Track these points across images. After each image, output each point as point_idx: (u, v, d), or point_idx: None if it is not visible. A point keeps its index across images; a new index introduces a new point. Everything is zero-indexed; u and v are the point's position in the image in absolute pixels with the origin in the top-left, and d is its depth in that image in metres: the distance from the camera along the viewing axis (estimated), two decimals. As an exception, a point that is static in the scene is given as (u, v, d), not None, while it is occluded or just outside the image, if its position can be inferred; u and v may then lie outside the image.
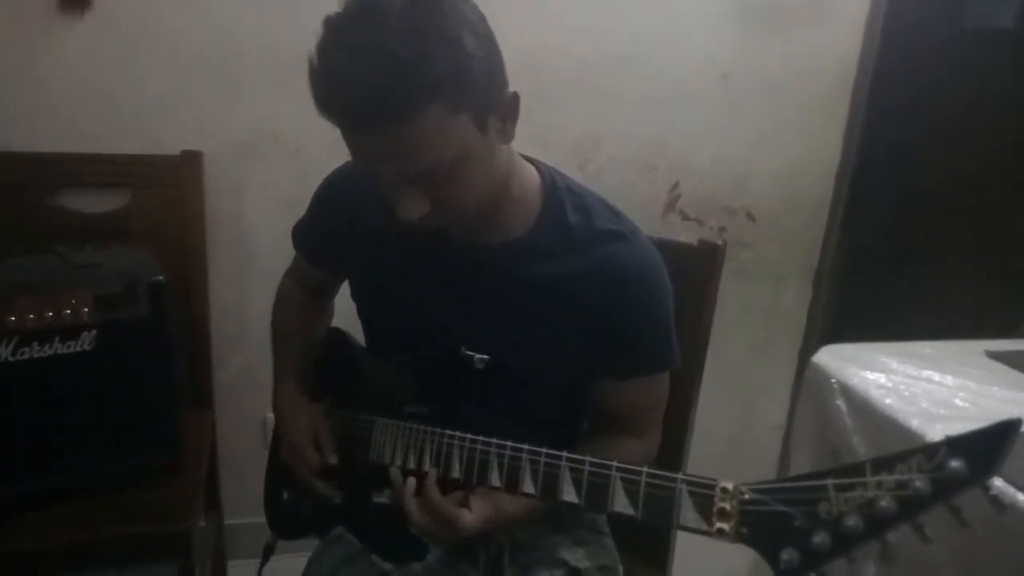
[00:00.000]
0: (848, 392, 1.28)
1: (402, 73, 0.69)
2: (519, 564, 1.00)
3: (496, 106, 0.79)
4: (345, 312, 1.14)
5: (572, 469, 0.75)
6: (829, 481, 0.61)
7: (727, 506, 0.65)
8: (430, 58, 0.70)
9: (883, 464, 0.59)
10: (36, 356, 1.11)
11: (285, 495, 1.09)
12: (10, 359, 1.10)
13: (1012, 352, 1.39)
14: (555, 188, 0.91)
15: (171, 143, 1.49)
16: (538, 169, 0.93)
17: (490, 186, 0.83)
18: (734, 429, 2.06)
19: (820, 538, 0.60)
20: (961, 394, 1.23)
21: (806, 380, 1.41)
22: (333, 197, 1.01)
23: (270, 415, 1.62)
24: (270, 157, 1.58)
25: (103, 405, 1.18)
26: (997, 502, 0.55)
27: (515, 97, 0.81)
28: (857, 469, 0.59)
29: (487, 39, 0.76)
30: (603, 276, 0.88)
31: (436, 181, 0.76)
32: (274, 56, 1.52)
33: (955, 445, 0.56)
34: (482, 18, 0.77)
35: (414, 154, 0.74)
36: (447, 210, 0.80)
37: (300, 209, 1.08)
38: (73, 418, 1.16)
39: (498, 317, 0.91)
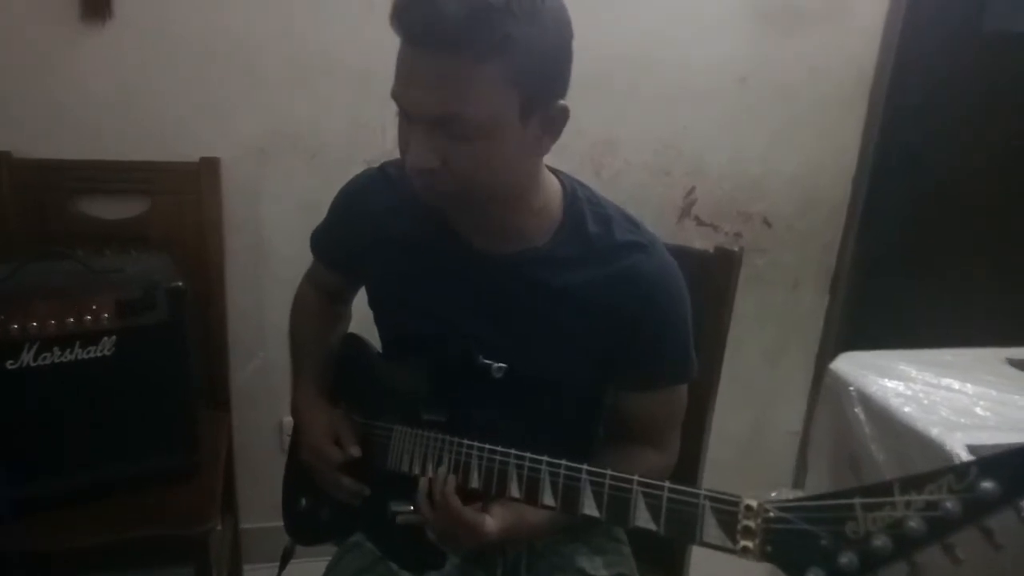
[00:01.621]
0: (866, 400, 1.27)
1: (486, 14, 0.71)
2: (536, 572, 1.00)
3: (545, 105, 0.79)
4: (362, 319, 1.14)
5: (593, 483, 0.75)
6: (856, 500, 0.60)
7: (752, 524, 0.64)
8: (512, 18, 0.72)
9: (912, 484, 0.58)
10: (57, 361, 1.13)
11: (303, 501, 1.09)
12: (32, 364, 1.11)
13: (1034, 360, 1.37)
14: (576, 199, 0.92)
15: (189, 150, 1.51)
16: (560, 180, 0.93)
17: (502, 179, 0.82)
18: (750, 435, 2.05)
19: (847, 558, 0.59)
20: (982, 403, 1.21)
21: (824, 387, 1.40)
22: (352, 204, 1.02)
23: (287, 419, 1.63)
24: (287, 163, 1.59)
25: (122, 409, 1.19)
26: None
27: (564, 110, 0.81)
28: (885, 488, 0.59)
29: (566, 40, 0.79)
30: (622, 287, 0.88)
31: (455, 137, 0.76)
32: (292, 63, 1.53)
33: (986, 465, 0.55)
34: (570, 28, 0.78)
35: (453, 93, 0.73)
36: (452, 178, 0.78)
37: (317, 214, 1.08)
38: (92, 421, 1.18)
39: (516, 326, 0.91)
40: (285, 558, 1.12)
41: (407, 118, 0.79)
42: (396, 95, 0.78)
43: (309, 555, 1.12)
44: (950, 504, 0.55)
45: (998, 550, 0.54)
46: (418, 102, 0.76)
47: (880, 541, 0.58)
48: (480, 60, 0.72)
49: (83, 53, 1.45)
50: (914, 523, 0.57)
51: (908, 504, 0.57)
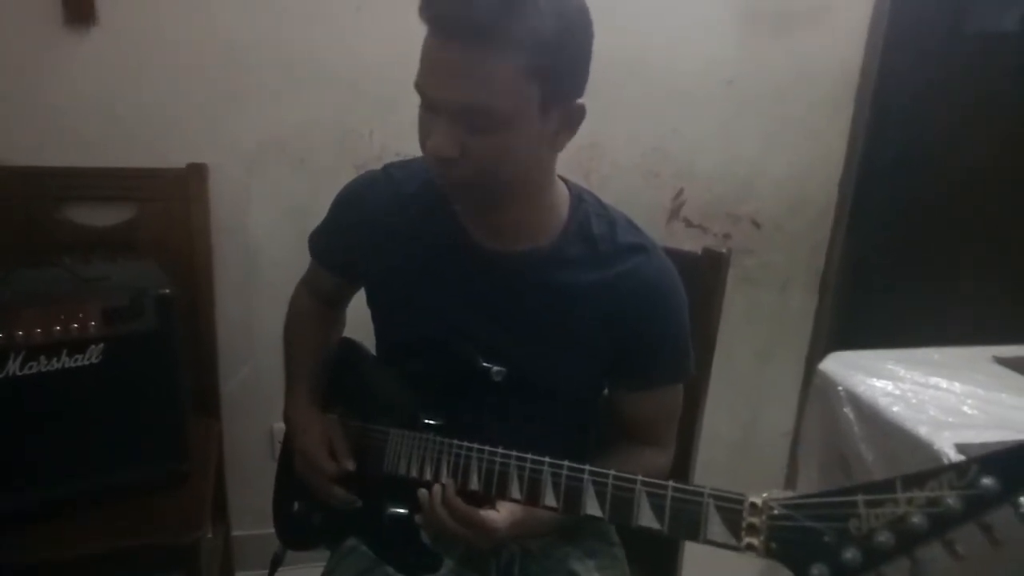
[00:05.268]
0: (856, 400, 1.27)
1: (514, 6, 0.73)
2: (528, 575, 1.00)
3: (565, 101, 0.81)
4: (356, 324, 1.14)
5: (595, 483, 0.75)
6: (859, 497, 0.60)
7: (756, 521, 0.65)
8: (538, 12, 0.74)
9: (914, 480, 0.59)
10: (44, 370, 1.11)
11: (295, 505, 1.09)
12: (18, 373, 1.10)
13: (1020, 358, 1.39)
14: (582, 201, 0.94)
15: (176, 156, 1.50)
16: (568, 185, 0.95)
17: (518, 172, 0.83)
18: (741, 436, 2.05)
19: (851, 554, 0.60)
20: (969, 401, 1.22)
21: (813, 387, 1.40)
22: (355, 204, 1.01)
23: (277, 425, 1.62)
24: (275, 169, 1.58)
25: (110, 417, 1.17)
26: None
27: (582, 108, 0.83)
28: (887, 485, 0.59)
29: (588, 40, 0.81)
30: (625, 288, 0.89)
31: (477, 128, 0.77)
32: (279, 69, 1.52)
33: (987, 463, 0.56)
34: (592, 28, 0.80)
35: (478, 84, 0.75)
36: (469, 168, 0.79)
37: (306, 220, 1.08)
38: (80, 430, 1.16)
39: (519, 327, 0.92)
40: (274, 564, 1.12)
41: (430, 107, 0.79)
42: (420, 84, 0.79)
43: (300, 561, 1.11)
44: (951, 500, 0.56)
45: (997, 546, 0.55)
46: (443, 92, 0.77)
47: (883, 537, 0.58)
48: (506, 52, 0.73)
49: (68, 60, 1.44)
50: (916, 519, 0.57)
51: (910, 500, 0.58)
